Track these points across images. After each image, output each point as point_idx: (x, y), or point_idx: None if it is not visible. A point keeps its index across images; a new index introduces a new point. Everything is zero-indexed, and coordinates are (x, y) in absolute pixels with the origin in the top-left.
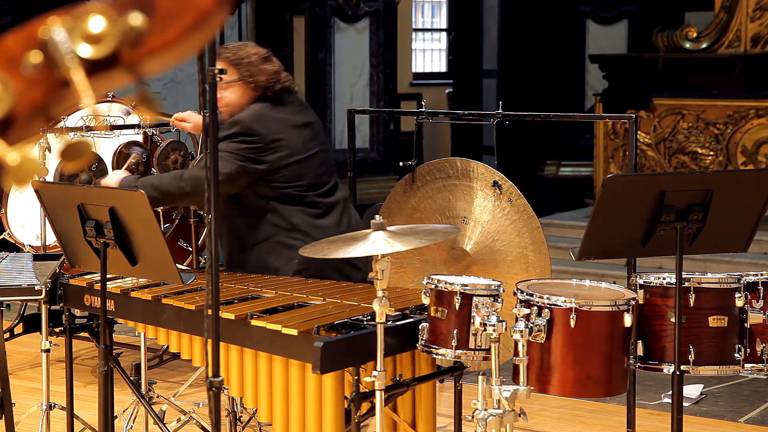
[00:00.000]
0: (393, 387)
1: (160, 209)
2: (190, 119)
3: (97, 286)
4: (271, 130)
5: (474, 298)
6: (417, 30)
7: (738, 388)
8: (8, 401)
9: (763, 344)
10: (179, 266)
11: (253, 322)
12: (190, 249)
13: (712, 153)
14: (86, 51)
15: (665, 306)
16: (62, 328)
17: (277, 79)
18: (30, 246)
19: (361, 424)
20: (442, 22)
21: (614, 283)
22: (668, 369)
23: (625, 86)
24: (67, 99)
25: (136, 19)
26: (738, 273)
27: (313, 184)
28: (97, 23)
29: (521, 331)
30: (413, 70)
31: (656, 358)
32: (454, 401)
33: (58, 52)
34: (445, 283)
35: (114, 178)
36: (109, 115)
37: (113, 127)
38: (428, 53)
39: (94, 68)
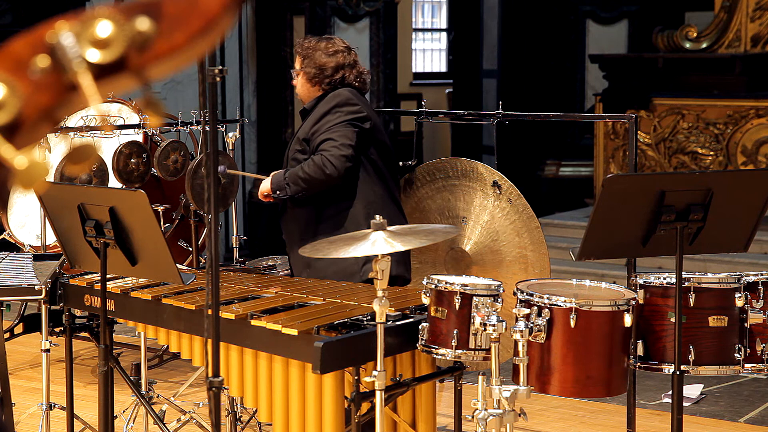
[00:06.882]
0: (393, 387)
1: (160, 209)
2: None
3: (97, 286)
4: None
5: (474, 298)
6: (417, 30)
7: (738, 388)
8: (8, 401)
9: (763, 344)
10: (179, 266)
11: (253, 322)
12: (190, 249)
13: (712, 153)
14: (94, 55)
15: (665, 306)
16: (62, 328)
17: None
18: (30, 246)
19: (361, 424)
20: (442, 22)
21: (614, 283)
22: (668, 369)
23: (625, 86)
24: (75, 103)
25: (143, 23)
26: (738, 273)
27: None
28: (104, 28)
29: (521, 331)
30: (413, 70)
31: (656, 358)
32: (454, 401)
33: (66, 56)
34: (445, 283)
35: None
36: (109, 115)
37: (113, 127)
38: (428, 53)
39: (101, 72)
